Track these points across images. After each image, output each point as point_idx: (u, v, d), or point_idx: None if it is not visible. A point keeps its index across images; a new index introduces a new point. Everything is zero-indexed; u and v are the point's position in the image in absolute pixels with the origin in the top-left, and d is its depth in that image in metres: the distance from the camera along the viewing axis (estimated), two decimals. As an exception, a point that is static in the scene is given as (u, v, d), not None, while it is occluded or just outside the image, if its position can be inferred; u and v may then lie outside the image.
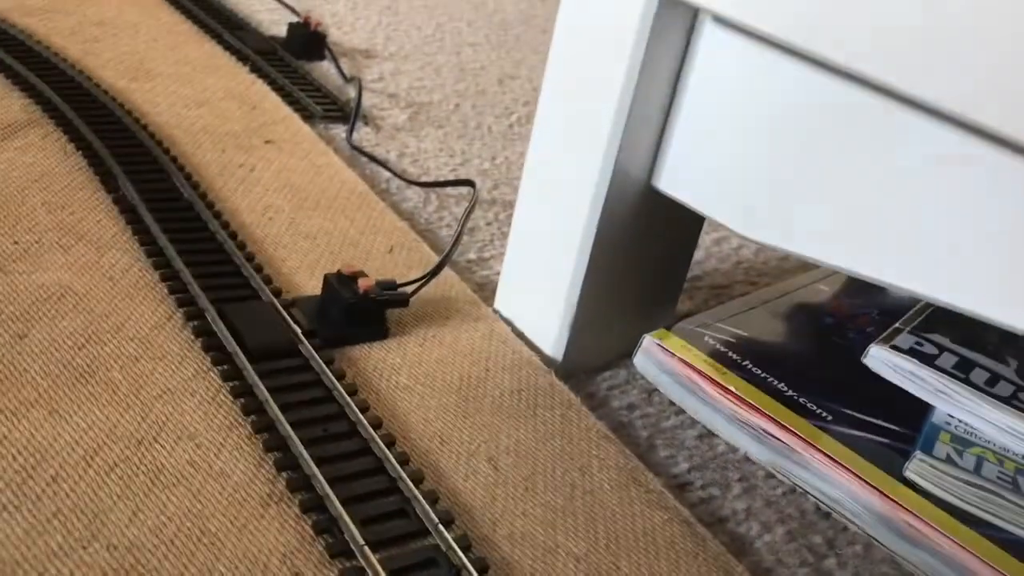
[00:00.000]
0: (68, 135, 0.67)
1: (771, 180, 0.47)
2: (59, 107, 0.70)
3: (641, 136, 0.50)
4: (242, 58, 0.88)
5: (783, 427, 0.51)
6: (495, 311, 0.60)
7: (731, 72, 0.48)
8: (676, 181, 0.51)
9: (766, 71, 0.46)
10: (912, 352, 0.55)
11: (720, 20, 0.47)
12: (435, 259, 0.63)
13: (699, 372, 0.54)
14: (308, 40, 0.92)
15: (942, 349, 0.56)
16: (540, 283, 0.56)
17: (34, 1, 0.90)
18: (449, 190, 0.75)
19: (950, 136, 0.40)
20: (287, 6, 1.05)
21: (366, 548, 0.39)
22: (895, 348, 0.55)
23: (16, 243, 0.55)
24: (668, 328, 0.58)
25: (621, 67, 0.48)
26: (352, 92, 0.88)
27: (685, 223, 0.57)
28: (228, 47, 0.89)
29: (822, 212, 0.45)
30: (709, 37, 0.48)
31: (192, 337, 0.50)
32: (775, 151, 0.47)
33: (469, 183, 0.70)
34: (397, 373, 0.52)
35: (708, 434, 0.54)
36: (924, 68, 0.38)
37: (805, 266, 0.76)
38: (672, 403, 0.56)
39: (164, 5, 0.98)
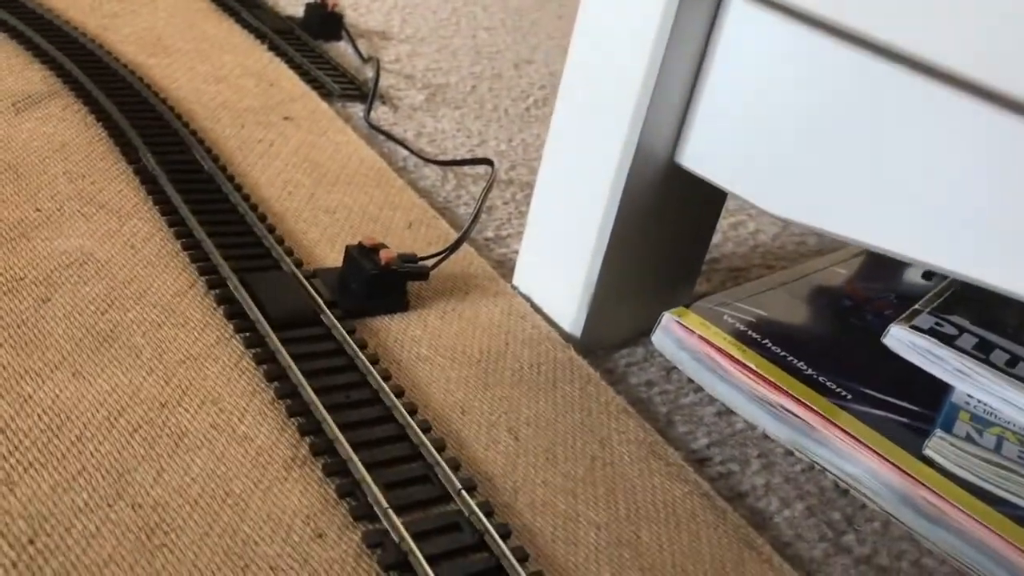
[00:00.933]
0: (88, 107, 0.67)
1: (797, 156, 0.47)
2: (79, 79, 0.70)
3: (666, 111, 0.50)
4: (260, 36, 0.88)
5: (802, 404, 0.51)
6: (513, 287, 0.60)
7: (758, 46, 0.48)
8: (700, 157, 0.51)
9: (793, 45, 0.46)
10: (932, 332, 0.55)
11: (748, -6, 0.47)
12: (453, 236, 0.63)
13: (718, 349, 0.54)
14: (325, 20, 0.92)
15: (962, 330, 0.56)
16: (560, 259, 0.56)
17: (53, -23, 0.90)
18: (466, 169, 0.75)
19: (981, 109, 0.40)
20: (304, -13, 1.05)
21: (390, 511, 0.39)
22: (915, 328, 0.55)
23: (38, 211, 0.55)
24: (687, 306, 0.58)
25: (647, 41, 0.48)
26: (369, 72, 0.88)
27: (706, 201, 0.57)
28: (246, 25, 0.90)
29: (847, 188, 0.45)
30: (736, 10, 0.48)
31: (214, 305, 0.51)
32: (801, 126, 0.47)
33: (487, 162, 0.70)
34: (418, 344, 0.52)
35: (727, 411, 0.54)
36: (957, 40, 0.38)
37: (821, 250, 0.76)
38: (691, 380, 0.56)
39: (182, -17, 0.98)
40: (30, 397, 0.42)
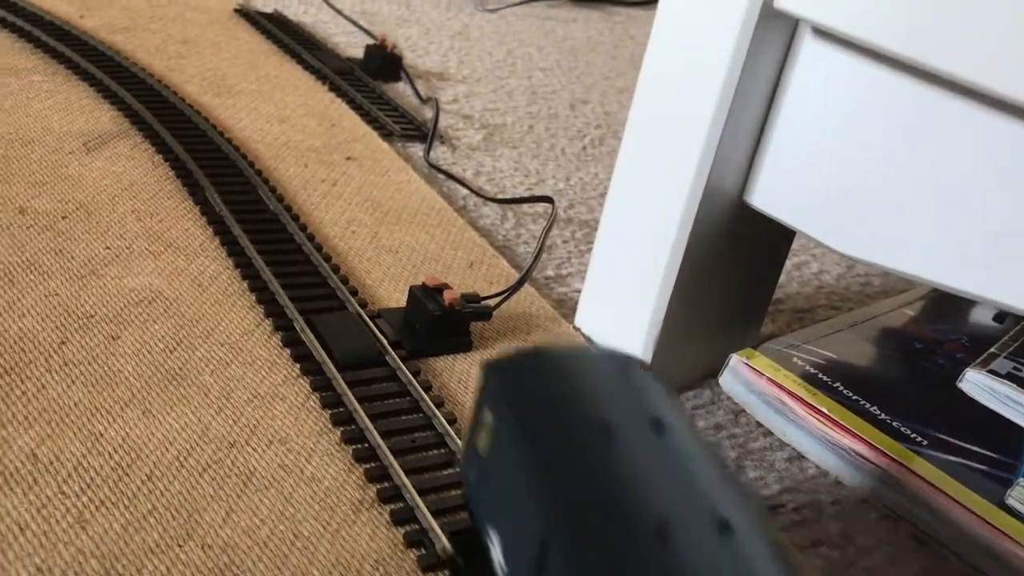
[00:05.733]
0: (155, 146, 0.68)
1: (871, 196, 0.46)
2: (146, 119, 0.71)
3: (735, 149, 0.50)
4: (321, 77, 0.89)
5: (877, 450, 0.50)
6: (576, 328, 0.59)
7: (831, 85, 0.47)
8: (770, 197, 0.50)
9: (867, 83, 0.45)
10: (1010, 377, 0.53)
11: (820, 32, 0.47)
12: (514, 275, 0.63)
13: (789, 392, 0.53)
14: (385, 62, 0.93)
15: (1042, 375, 0.54)
16: (624, 299, 0.55)
17: (120, 20, 0.92)
18: (526, 208, 0.75)
19: (1068, 149, 0.39)
20: (363, 29, 1.06)
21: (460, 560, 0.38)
22: (992, 373, 0.53)
23: (107, 248, 0.56)
24: (755, 348, 0.57)
25: (718, 79, 0.48)
26: (427, 113, 0.89)
27: (773, 241, 0.56)
28: (307, 67, 0.91)
29: (921, 228, 0.44)
30: (809, 49, 0.47)
31: (280, 344, 0.50)
32: (874, 165, 0.46)
33: (547, 199, 0.70)
34: (482, 385, 0.51)
35: (798, 456, 0.52)
36: (1044, 77, 0.37)
37: (887, 291, 0.74)
38: (760, 424, 0.54)
39: (244, 26, 0.99)
40: (101, 435, 0.42)
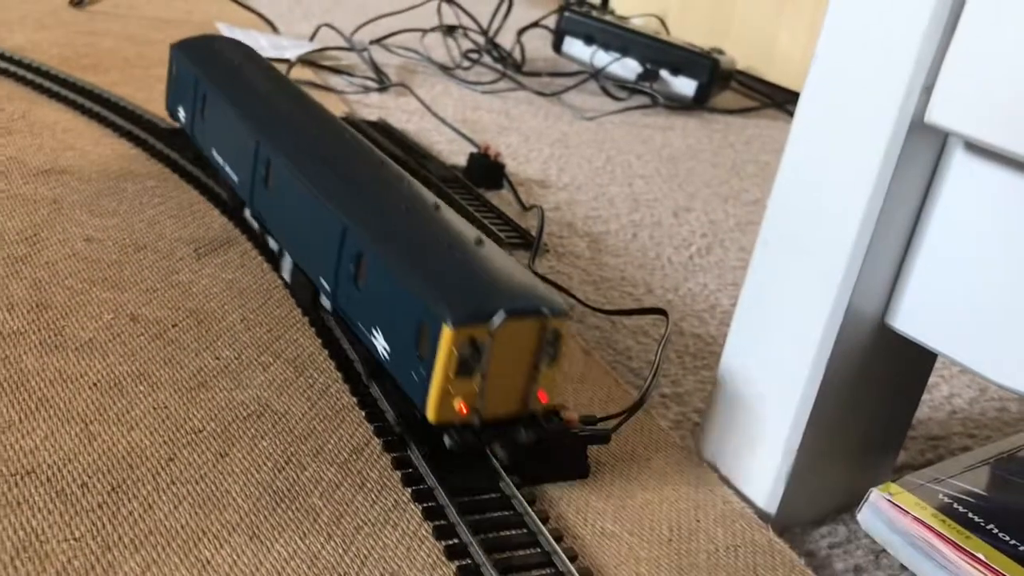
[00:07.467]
0: (264, 255, 0.68)
1: (1032, 323, 0.42)
2: (255, 226, 0.71)
3: (879, 270, 0.47)
4: (426, 184, 0.88)
5: (1044, 606, 0.45)
6: (698, 453, 0.55)
7: (984, 202, 0.44)
8: (916, 320, 0.47)
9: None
10: None
11: (973, 147, 0.44)
12: (625, 391, 0.60)
13: (938, 535, 0.48)
14: (488, 169, 0.93)
15: None
16: (754, 426, 0.52)
17: (231, 127, 0.94)
18: (635, 319, 0.72)
19: None
20: (465, 137, 1.06)
21: None
22: None
23: (217, 359, 0.54)
24: (894, 481, 0.52)
25: (863, 196, 0.45)
26: (530, 220, 0.87)
27: (914, 366, 0.53)
28: (412, 174, 0.90)
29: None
30: (960, 163, 0.44)
31: (391, 466, 0.48)
32: (1038, 291, 0.42)
33: (661, 312, 0.67)
34: (602, 517, 0.48)
35: (950, 607, 0.47)
36: None
37: (1026, 419, 0.69)
38: (904, 567, 0.50)
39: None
40: (208, 562, 0.40)
